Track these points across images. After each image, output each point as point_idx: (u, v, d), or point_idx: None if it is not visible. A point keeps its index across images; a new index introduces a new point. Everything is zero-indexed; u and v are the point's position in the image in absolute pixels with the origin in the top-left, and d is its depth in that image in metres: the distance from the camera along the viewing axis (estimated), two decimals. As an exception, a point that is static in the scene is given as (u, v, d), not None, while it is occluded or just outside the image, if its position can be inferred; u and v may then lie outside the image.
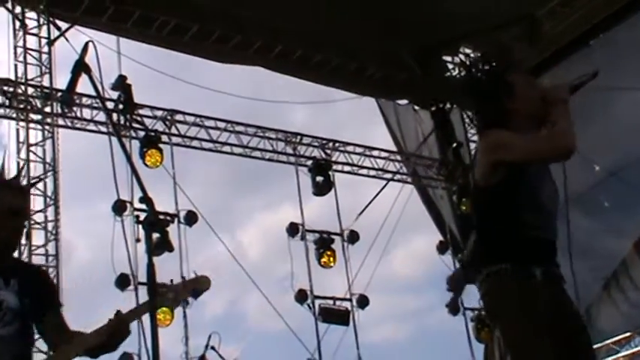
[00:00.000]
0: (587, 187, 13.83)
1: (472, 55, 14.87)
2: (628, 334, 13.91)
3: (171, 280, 4.76)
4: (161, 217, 4.91)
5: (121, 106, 12.91)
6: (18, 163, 12.75)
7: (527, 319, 4.42)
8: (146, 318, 4.35)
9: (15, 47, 12.93)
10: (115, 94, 12.75)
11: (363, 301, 14.60)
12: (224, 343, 11.55)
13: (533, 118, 4.77)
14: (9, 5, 12.60)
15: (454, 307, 15.12)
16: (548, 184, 4.77)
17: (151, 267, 4.17)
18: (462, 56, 14.94)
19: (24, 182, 12.26)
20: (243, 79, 16.86)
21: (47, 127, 12.98)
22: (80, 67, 4.47)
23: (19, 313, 4.66)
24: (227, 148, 14.69)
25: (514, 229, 4.62)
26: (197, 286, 4.87)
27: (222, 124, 14.56)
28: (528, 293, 4.48)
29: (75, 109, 13.12)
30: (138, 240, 4.37)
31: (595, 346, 12.87)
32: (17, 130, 12.81)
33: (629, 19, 13.80)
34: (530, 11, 13.97)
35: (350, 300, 14.63)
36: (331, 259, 14.57)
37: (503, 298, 4.55)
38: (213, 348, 11.41)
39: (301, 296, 14.18)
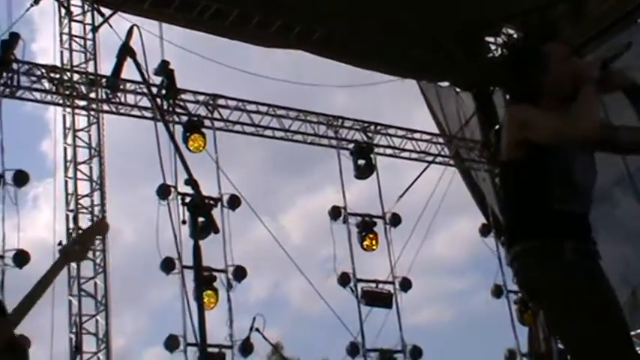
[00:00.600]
0: (630, 170, 13.88)
1: (515, 35, 14.71)
2: None
3: (59, 242, 5.10)
4: (206, 201, 4.79)
5: (163, 91, 12.82)
6: (65, 149, 12.97)
7: (565, 296, 4.34)
8: (192, 301, 4.41)
9: (61, 34, 13.15)
10: (157, 80, 12.65)
11: (406, 284, 14.68)
12: (267, 326, 11.69)
13: (564, 95, 4.64)
14: None
15: (498, 290, 15.19)
16: (583, 157, 4.67)
17: (197, 249, 4.35)
18: (504, 37, 14.88)
19: (70, 168, 12.89)
20: (284, 62, 16.86)
21: (92, 112, 13.16)
22: (125, 51, 4.57)
23: None
24: (269, 132, 14.78)
25: (542, 204, 4.52)
26: (96, 231, 5.29)
27: (263, 108, 14.64)
28: (563, 268, 4.38)
29: (119, 94, 13.29)
30: (184, 222, 4.59)
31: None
32: (64, 115, 13.08)
33: None
34: None
35: (392, 283, 14.69)
36: (373, 242, 14.64)
37: (537, 275, 4.47)
38: (257, 330, 11.58)
39: (344, 279, 14.26)
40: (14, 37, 12.09)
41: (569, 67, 4.62)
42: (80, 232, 5.26)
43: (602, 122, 4.54)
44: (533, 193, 4.52)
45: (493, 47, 15.27)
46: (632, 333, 12.77)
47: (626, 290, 13.26)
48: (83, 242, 5.17)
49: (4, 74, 12.34)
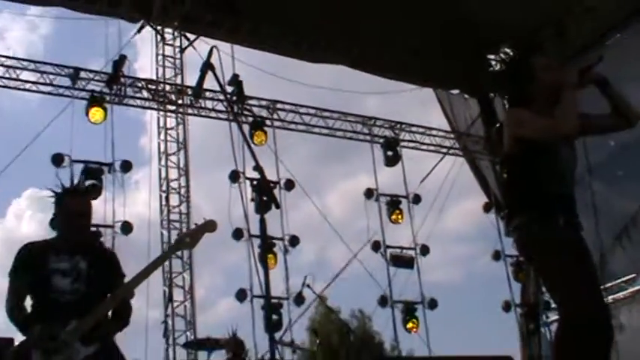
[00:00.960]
0: (605, 159, 13.82)
1: (510, 53, 14.18)
2: (633, 275, 14.04)
3: (179, 233, 5.40)
4: (269, 183, 4.89)
5: (235, 98, 13.27)
6: (158, 144, 13.25)
7: (559, 255, 4.52)
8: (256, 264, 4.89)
9: (156, 55, 13.39)
10: (230, 89, 13.01)
11: (425, 250, 14.91)
12: (315, 282, 11.45)
13: (551, 98, 4.70)
14: (153, 24, 13.06)
15: (497, 255, 15.39)
16: (565, 149, 4.80)
17: (263, 221, 4.66)
18: (502, 54, 14.78)
19: (163, 158, 13.12)
20: (329, 75, 17.03)
21: (179, 115, 13.44)
22: (207, 66, 4.75)
23: (92, 278, 5.11)
24: (316, 130, 14.98)
25: (537, 187, 4.68)
26: (205, 229, 5.14)
27: (312, 111, 14.88)
28: (556, 234, 4.58)
29: (200, 100, 13.59)
30: (252, 200, 4.96)
31: (608, 285, 13.43)
32: (158, 118, 13.42)
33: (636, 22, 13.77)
34: (559, 17, 13.94)
35: (414, 249, 14.83)
36: (399, 216, 14.89)
37: (535, 240, 4.63)
38: (308, 286, 11.39)
39: (376, 246, 14.43)
40: (122, 59, 12.66)
41: (552, 76, 4.73)
42: (192, 227, 5.20)
43: (579, 116, 4.56)
44: (529, 178, 4.69)
45: (493, 62, 15.31)
46: (601, 287, 13.43)
47: (597, 253, 13.16)
48: (193, 236, 5.21)
49: (115, 87, 12.77)
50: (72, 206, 5.24)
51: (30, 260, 5.15)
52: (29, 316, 5.06)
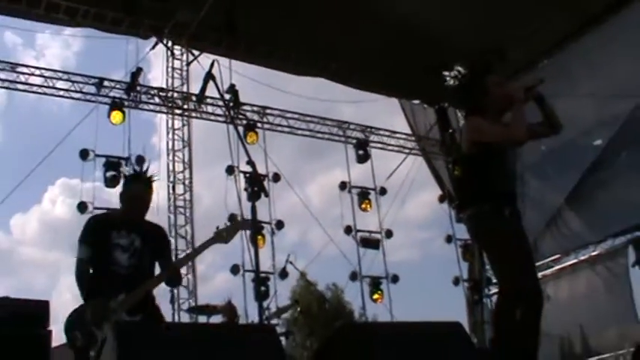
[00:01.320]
0: (537, 160, 14.07)
1: (462, 70, 14.38)
2: (558, 255, 14.23)
3: (217, 227, 5.14)
4: (260, 175, 4.77)
5: (231, 104, 13.28)
6: (167, 142, 13.33)
7: (505, 240, 4.66)
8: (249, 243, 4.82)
9: (167, 67, 13.52)
10: (227, 96, 12.98)
11: (389, 234, 14.84)
12: (297, 260, 11.70)
13: (500, 109, 4.84)
14: (165, 42, 13.17)
15: (449, 238, 15.43)
16: (510, 152, 4.98)
17: (253, 208, 4.72)
18: (455, 72, 14.57)
19: (170, 154, 13.12)
20: (312, 85, 16.96)
21: (185, 117, 13.59)
22: (209, 77, 4.83)
23: (146, 254, 5.13)
24: (299, 132, 14.93)
25: (488, 185, 4.79)
26: (240, 226, 5.15)
27: (296, 116, 14.83)
28: (502, 223, 4.70)
29: (203, 106, 13.59)
30: (245, 190, 4.85)
31: (538, 263, 13.13)
32: (167, 120, 13.55)
33: (562, 50, 14.10)
34: (499, 44, 13.86)
35: (380, 233, 14.76)
36: (368, 205, 14.79)
37: (485, 228, 4.75)
38: (291, 262, 11.61)
39: (348, 230, 14.36)
40: (139, 70, 12.78)
41: (502, 91, 4.87)
42: (230, 223, 5.10)
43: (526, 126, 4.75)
44: (482, 176, 4.82)
45: (448, 78, 14.86)
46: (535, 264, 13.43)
47: (530, 238, 13.22)
48: (230, 232, 5.11)
49: (132, 94, 12.81)
50: (135, 191, 5.26)
51: (95, 233, 5.16)
52: (90, 285, 5.05)
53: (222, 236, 5.13)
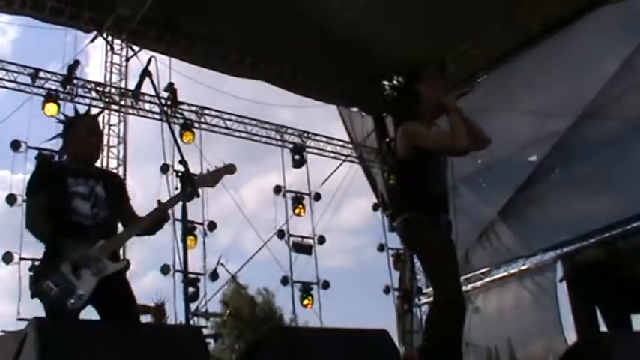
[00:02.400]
0: (472, 173, 14.17)
1: (401, 81, 15.00)
2: (488, 268, 14.42)
3: (208, 170, 4.88)
4: (192, 175, 4.51)
5: (169, 102, 13.21)
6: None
7: (438, 249, 4.66)
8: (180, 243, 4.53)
9: (105, 62, 13.23)
10: (165, 94, 13.04)
11: (322, 239, 14.85)
12: (229, 262, 12.05)
13: (432, 115, 4.89)
14: (105, 36, 12.88)
15: (381, 246, 15.50)
16: (443, 159, 4.98)
17: (184, 207, 4.55)
18: (394, 81, 15.14)
19: (105, 150, 12.67)
20: (251, 87, 17.20)
21: (121, 114, 13.33)
22: (145, 73, 4.69)
23: (108, 201, 4.74)
24: (236, 134, 14.78)
25: (424, 188, 4.77)
26: (227, 170, 4.87)
27: (234, 118, 14.69)
28: (437, 231, 4.70)
29: (140, 103, 13.36)
30: (177, 188, 4.71)
31: (468, 275, 13.84)
32: (103, 115, 12.79)
33: (500, 66, 14.25)
34: (440, 56, 14.23)
35: (313, 238, 14.75)
36: (302, 210, 14.76)
37: (420, 235, 4.71)
38: (222, 264, 12.01)
39: (281, 234, 14.35)
40: (76, 63, 12.55)
41: (435, 97, 4.86)
42: (214, 168, 4.81)
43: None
44: (418, 180, 4.78)
45: (387, 88, 15.46)
46: (463, 277, 13.36)
47: (461, 250, 13.70)
48: (214, 175, 4.86)
49: (68, 86, 12.60)
50: (86, 125, 4.92)
51: (50, 177, 4.76)
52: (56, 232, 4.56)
53: (206, 181, 4.87)
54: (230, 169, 4.91)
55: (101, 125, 5.31)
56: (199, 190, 4.64)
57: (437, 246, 4.67)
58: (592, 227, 12.42)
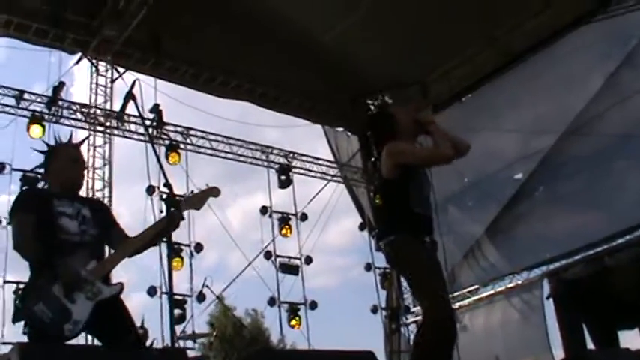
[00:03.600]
0: (459, 191, 14.25)
1: (386, 99, 15.00)
2: (476, 286, 14.31)
3: (192, 192, 4.84)
4: (177, 198, 4.47)
5: (154, 124, 13.16)
6: (87, 159, 12.68)
7: (425, 268, 4.63)
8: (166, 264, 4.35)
9: (90, 83, 13.21)
10: (151, 115, 12.96)
11: (309, 260, 14.77)
12: (215, 284, 11.93)
13: (411, 134, 4.95)
14: (89, 57, 12.77)
15: (368, 266, 15.39)
16: (426, 179, 5.00)
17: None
18: (379, 100, 15.10)
19: (91, 171, 12.74)
20: (236, 109, 16.85)
21: (107, 135, 13.31)
22: (129, 96, 4.62)
23: (95, 222, 4.64)
24: (222, 155, 14.72)
25: (408, 208, 4.74)
26: (211, 193, 4.79)
27: (220, 138, 14.65)
28: (423, 251, 4.69)
29: (125, 124, 13.32)
30: (161, 211, 4.31)
31: (455, 294, 13.62)
32: (88, 136, 13.00)
33: (485, 84, 14.18)
34: (422, 77, 14.24)
35: (300, 258, 14.71)
36: (288, 231, 14.75)
37: (407, 255, 4.69)
38: (207, 286, 11.76)
39: (267, 255, 14.31)
40: (61, 84, 12.46)
41: (410, 117, 4.96)
42: (200, 190, 4.74)
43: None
44: (402, 200, 4.75)
45: (372, 107, 15.39)
46: (450, 295, 12.70)
47: (448, 268, 13.79)
48: (201, 198, 4.79)
49: (53, 108, 12.46)
50: (68, 154, 4.83)
51: (35, 200, 4.65)
52: (38, 259, 4.39)
53: (193, 203, 4.79)
54: (214, 191, 4.85)
55: (85, 150, 5.29)
56: (184, 213, 4.56)
57: (423, 265, 4.65)
58: (578, 244, 12.34)
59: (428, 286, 4.60)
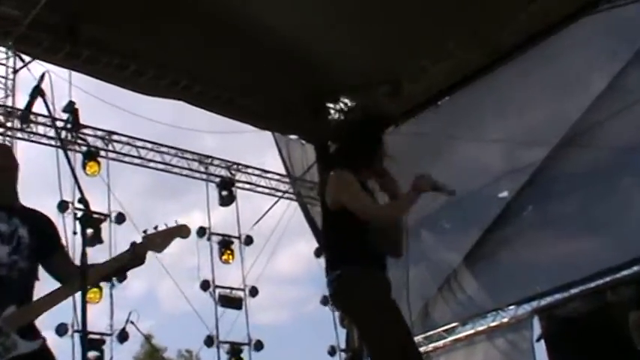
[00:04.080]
0: (433, 212, 13.58)
1: (349, 103, 14.84)
2: (454, 324, 14.01)
3: (155, 227, 4.56)
4: (95, 216, 4.71)
5: (68, 126, 12.70)
6: None
7: (373, 307, 4.58)
8: (79, 296, 4.28)
9: None
10: (65, 115, 12.56)
11: (254, 291, 14.92)
12: (141, 320, 11.96)
13: (375, 173, 5.05)
14: None
15: (325, 299, 15.37)
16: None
17: (84, 255, 4.16)
18: (341, 104, 14.87)
19: None
20: (170, 109, 16.64)
21: (8, 138, 12.66)
22: (37, 92, 4.45)
23: (33, 250, 4.42)
24: (152, 165, 14.52)
25: (359, 242, 4.73)
26: (179, 233, 4.62)
27: (149, 145, 14.41)
28: (375, 287, 4.67)
29: (32, 125, 12.78)
30: (75, 233, 4.18)
31: (429, 333, 13.77)
32: None
33: (467, 86, 13.80)
34: (394, 75, 13.84)
35: (243, 290, 14.82)
36: (230, 256, 14.83)
37: (355, 294, 4.63)
38: (132, 322, 11.74)
39: (205, 285, 14.35)
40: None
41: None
42: (164, 228, 4.58)
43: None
44: (351, 233, 4.70)
45: (332, 112, 15.11)
46: (423, 335, 13.54)
47: (421, 303, 13.53)
48: (165, 238, 4.56)
49: None
50: None
51: None
52: None
53: (156, 244, 4.46)
54: (183, 231, 4.58)
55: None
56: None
57: (379, 307, 4.60)
58: (575, 276, 12.13)
59: (381, 333, 4.54)
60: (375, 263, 4.79)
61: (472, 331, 13.86)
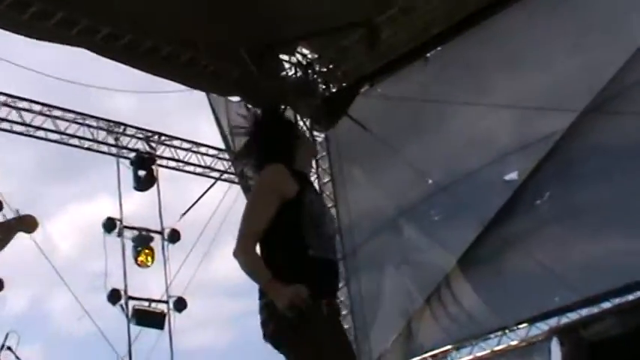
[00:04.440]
0: (419, 200, 13.18)
1: (309, 55, 13.69)
2: (446, 347, 12.88)
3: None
4: None
5: None
6: None
7: (317, 347, 4.00)
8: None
9: None
10: None
11: (181, 304, 13.80)
12: (24, 344, 10.35)
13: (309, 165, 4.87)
14: None
15: None
16: (327, 210, 4.73)
17: None
18: (299, 56, 13.68)
19: None
20: (65, 60, 14.64)
21: None
22: None
23: None
24: (41, 133, 13.33)
25: (299, 251, 4.13)
26: (21, 226, 4.68)
27: (37, 107, 13.16)
28: (317, 323, 4.02)
29: None
30: None
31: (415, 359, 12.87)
32: None
33: (465, 33, 12.80)
34: (369, 17, 12.66)
35: (167, 302, 13.57)
36: (149, 258, 13.68)
37: (292, 327, 4.00)
38: (9, 348, 10.21)
39: (114, 296, 13.16)
40: None
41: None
42: (5, 220, 4.15)
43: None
44: (288, 240, 4.20)
45: (287, 66, 13.90)
46: None
47: (402, 321, 12.85)
48: (5, 231, 4.71)
49: None
50: None
51: None
52: None
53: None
54: (27, 222, 4.71)
55: None
56: None
57: (322, 343, 3.98)
58: (607, 285, 11.11)
59: None
60: (324, 278, 4.37)
61: (470, 357, 12.76)
